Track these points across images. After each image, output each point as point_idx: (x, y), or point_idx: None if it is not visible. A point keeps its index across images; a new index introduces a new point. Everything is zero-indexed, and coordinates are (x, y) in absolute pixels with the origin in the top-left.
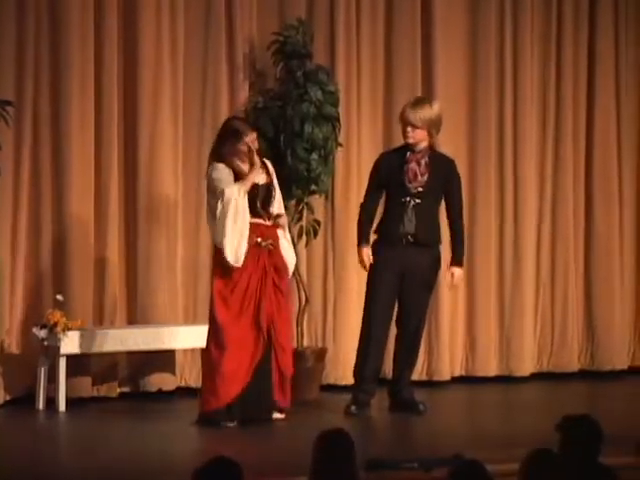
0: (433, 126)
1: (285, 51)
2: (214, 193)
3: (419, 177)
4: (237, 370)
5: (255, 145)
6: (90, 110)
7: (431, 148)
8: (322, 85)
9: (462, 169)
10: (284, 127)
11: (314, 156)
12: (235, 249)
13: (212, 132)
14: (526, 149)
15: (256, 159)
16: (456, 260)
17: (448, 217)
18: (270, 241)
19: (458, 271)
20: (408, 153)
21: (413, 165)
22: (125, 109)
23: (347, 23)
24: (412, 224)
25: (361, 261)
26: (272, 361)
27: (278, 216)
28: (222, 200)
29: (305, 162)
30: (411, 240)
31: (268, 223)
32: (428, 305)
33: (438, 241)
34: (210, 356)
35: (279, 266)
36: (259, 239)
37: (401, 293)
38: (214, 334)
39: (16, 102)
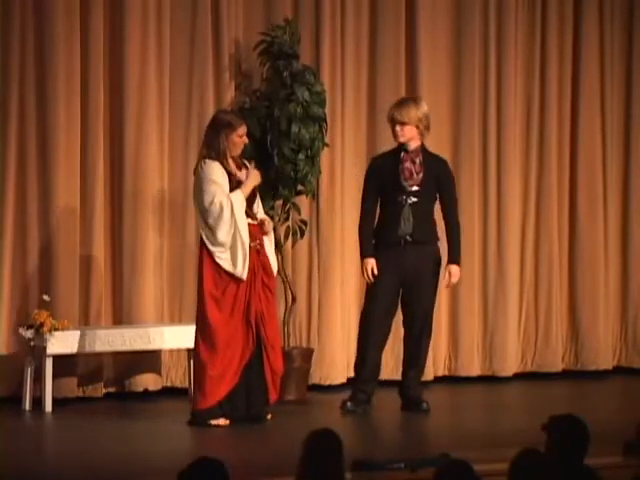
0: (421, 123)
1: (272, 51)
2: (208, 193)
3: (414, 175)
4: (226, 371)
5: (245, 139)
6: (76, 112)
7: (423, 147)
8: (309, 86)
9: None
10: (271, 127)
11: (301, 156)
12: (237, 260)
13: (198, 133)
14: (510, 150)
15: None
16: (453, 258)
17: (444, 216)
18: (258, 241)
19: (455, 269)
20: (402, 153)
21: (408, 164)
22: (111, 109)
23: (332, 24)
24: (410, 224)
25: (366, 272)
26: (263, 359)
27: (262, 222)
28: (222, 208)
29: (292, 162)
30: (409, 240)
31: (254, 222)
32: (434, 305)
33: (436, 239)
34: (199, 357)
35: (266, 265)
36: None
37: (405, 295)
38: (204, 335)
39: (2, 101)
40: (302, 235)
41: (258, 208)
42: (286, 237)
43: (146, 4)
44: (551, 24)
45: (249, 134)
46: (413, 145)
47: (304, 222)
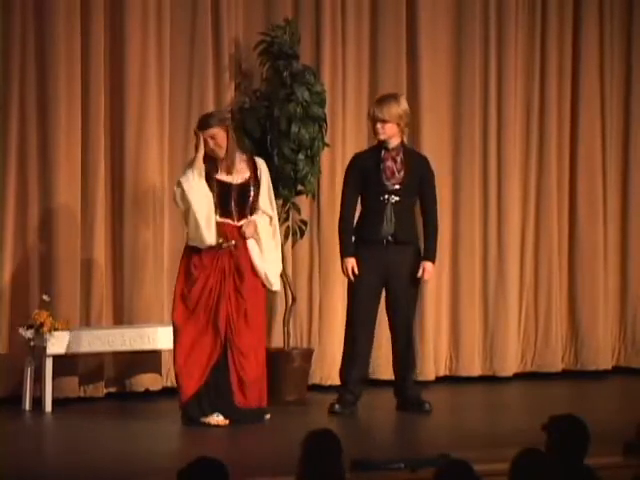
0: (401, 120)
1: (272, 51)
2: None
3: (396, 174)
4: (192, 369)
5: (212, 142)
6: (76, 113)
7: (403, 145)
8: (309, 86)
9: (446, 170)
10: (271, 127)
11: (301, 156)
12: (201, 232)
13: None
14: (510, 151)
15: (202, 148)
16: (428, 255)
17: (423, 213)
18: (233, 242)
19: (430, 266)
20: (383, 151)
21: (389, 163)
22: (112, 110)
23: (332, 24)
24: (392, 224)
25: (347, 271)
26: (229, 364)
27: (240, 226)
28: (176, 194)
29: (292, 162)
30: (391, 240)
31: (236, 224)
32: (417, 301)
33: (417, 238)
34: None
35: (241, 268)
36: (220, 239)
37: (390, 299)
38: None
39: (2, 102)
40: (302, 235)
41: (254, 205)
42: (286, 237)
43: (146, 4)
44: (551, 26)
45: (248, 134)
46: (394, 143)
47: (304, 222)
